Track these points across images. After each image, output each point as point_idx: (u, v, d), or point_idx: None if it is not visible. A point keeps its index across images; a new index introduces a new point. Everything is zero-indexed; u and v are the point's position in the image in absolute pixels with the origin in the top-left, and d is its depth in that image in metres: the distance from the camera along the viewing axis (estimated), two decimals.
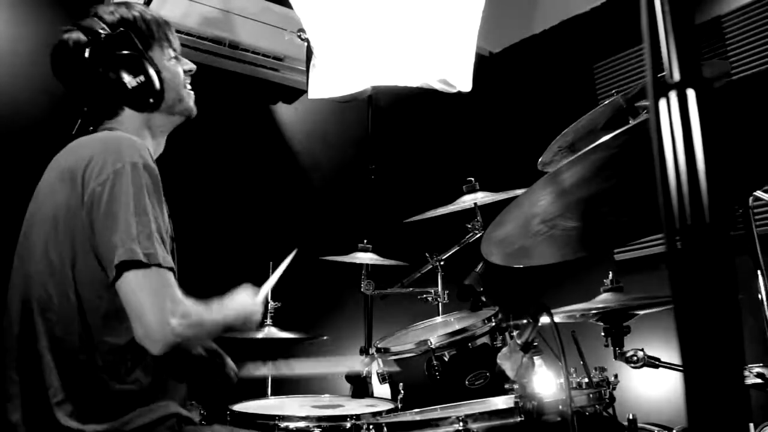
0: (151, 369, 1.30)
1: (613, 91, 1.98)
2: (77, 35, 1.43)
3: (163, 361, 1.29)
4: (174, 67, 1.53)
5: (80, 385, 1.24)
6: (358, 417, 1.74)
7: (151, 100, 1.46)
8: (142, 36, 1.46)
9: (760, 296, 1.59)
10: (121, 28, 1.44)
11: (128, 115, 1.48)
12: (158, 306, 1.22)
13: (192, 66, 1.59)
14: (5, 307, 1.39)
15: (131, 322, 1.23)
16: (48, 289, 1.28)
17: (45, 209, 1.36)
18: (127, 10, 1.48)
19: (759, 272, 1.63)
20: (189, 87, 1.58)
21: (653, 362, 1.75)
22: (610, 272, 1.95)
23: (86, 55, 1.40)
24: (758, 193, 1.72)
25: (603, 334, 1.85)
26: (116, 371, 1.26)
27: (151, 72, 1.45)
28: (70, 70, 1.44)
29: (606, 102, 1.94)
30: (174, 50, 1.54)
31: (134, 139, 1.37)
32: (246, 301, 1.47)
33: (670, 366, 1.75)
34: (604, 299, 1.89)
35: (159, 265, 1.23)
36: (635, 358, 1.74)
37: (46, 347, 1.26)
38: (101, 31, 1.42)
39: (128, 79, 1.42)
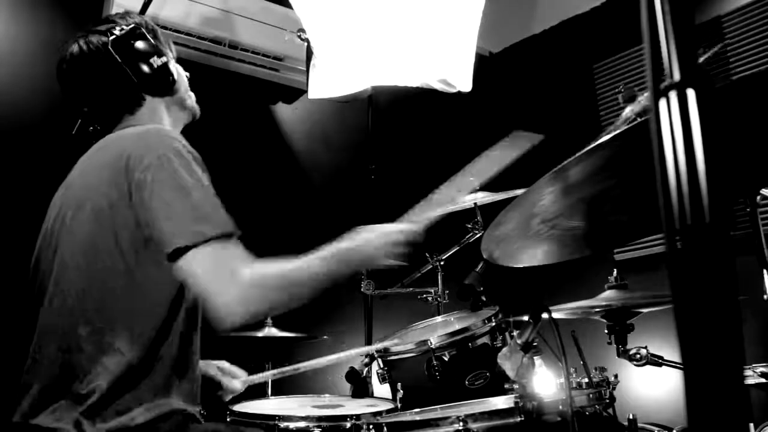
0: (158, 364, 1.29)
1: (620, 86, 1.95)
2: (97, 38, 1.46)
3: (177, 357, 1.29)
4: (177, 67, 1.60)
5: (84, 380, 1.23)
6: (358, 417, 1.74)
7: (171, 78, 1.51)
8: (152, 35, 1.53)
9: (765, 296, 1.57)
10: (134, 25, 1.49)
11: (148, 108, 1.50)
12: (222, 285, 1.20)
13: (186, 73, 1.65)
14: (22, 308, 1.39)
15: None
16: (71, 287, 1.28)
17: (80, 208, 1.33)
18: (138, 17, 1.55)
19: (765, 271, 1.61)
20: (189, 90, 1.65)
21: (656, 360, 1.74)
22: (615, 269, 1.94)
23: (110, 46, 1.44)
24: (765, 192, 1.68)
25: (606, 331, 1.84)
26: (122, 366, 1.24)
27: (168, 55, 1.53)
28: (89, 70, 1.46)
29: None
30: (173, 58, 1.61)
31: (169, 129, 1.43)
32: (379, 232, 1.50)
33: (672, 364, 1.75)
34: (608, 296, 1.88)
35: (217, 238, 1.22)
36: (638, 356, 1.74)
37: (55, 341, 1.26)
38: (117, 28, 1.47)
39: (149, 62, 1.47)
